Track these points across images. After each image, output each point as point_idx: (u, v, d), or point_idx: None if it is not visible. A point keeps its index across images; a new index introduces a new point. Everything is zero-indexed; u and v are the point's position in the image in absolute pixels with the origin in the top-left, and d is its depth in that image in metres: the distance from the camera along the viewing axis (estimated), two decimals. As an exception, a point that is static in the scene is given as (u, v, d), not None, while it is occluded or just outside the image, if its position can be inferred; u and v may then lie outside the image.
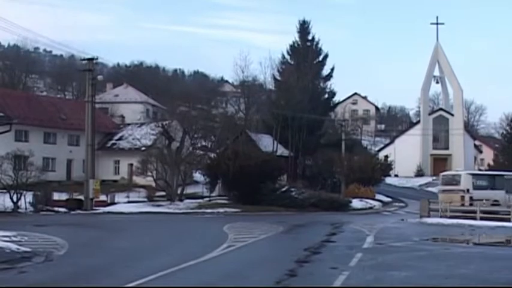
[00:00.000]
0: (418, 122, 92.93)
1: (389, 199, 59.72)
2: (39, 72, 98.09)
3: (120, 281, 12.27)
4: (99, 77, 50.31)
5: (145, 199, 48.39)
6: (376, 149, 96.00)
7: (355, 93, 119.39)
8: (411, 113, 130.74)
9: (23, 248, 17.61)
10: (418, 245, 21.65)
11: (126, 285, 11.86)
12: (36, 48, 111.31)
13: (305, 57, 68.40)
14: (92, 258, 17.03)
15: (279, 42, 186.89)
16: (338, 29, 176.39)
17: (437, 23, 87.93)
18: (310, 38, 71.19)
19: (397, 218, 38.22)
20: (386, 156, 79.12)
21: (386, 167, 66.56)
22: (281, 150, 61.45)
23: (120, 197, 47.72)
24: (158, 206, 45.12)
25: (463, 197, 38.22)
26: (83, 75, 47.08)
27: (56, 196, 43.06)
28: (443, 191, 40.26)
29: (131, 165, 57.41)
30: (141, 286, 12.03)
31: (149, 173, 51.62)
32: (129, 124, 68.46)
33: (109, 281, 12.70)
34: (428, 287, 12.70)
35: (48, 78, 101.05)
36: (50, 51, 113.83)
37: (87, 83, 44.87)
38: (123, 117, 73.73)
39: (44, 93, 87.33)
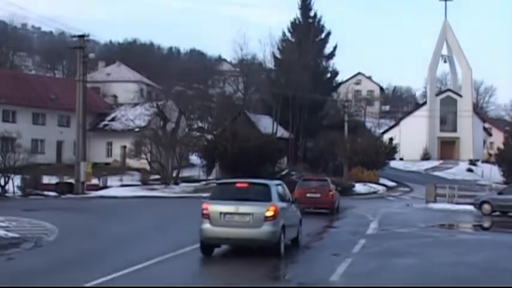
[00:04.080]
0: (425, 103, 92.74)
1: (394, 183, 59.75)
2: (28, 50, 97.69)
3: (112, 268, 12.27)
4: (91, 55, 50.12)
5: (139, 183, 48.43)
6: (381, 131, 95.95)
7: (359, 73, 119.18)
8: (417, 93, 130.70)
9: (11, 234, 17.61)
10: (424, 231, 21.69)
11: (119, 273, 11.87)
12: (24, 25, 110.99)
13: (306, 34, 68.08)
14: (83, 244, 17.04)
15: (279, 18, 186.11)
16: (341, 6, 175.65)
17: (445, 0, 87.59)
18: (312, 14, 70.92)
19: (402, 203, 38.28)
20: (391, 139, 79.14)
21: (391, 150, 66.47)
22: (281, 132, 61.35)
23: (112, 181, 47.74)
24: (153, 189, 45.16)
25: None
26: (74, 53, 46.85)
27: (46, 179, 43.08)
28: None
29: (124, 147, 57.36)
30: (134, 272, 12.03)
31: (143, 156, 51.63)
32: (122, 104, 68.24)
33: (100, 267, 12.69)
34: (434, 275, 12.72)
35: (37, 56, 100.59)
36: (39, 28, 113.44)
37: (78, 61, 44.65)
38: (115, 97, 73.50)
39: (33, 72, 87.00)
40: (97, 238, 18.53)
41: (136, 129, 56.65)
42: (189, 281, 11.81)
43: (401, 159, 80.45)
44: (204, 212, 14.06)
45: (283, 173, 49.33)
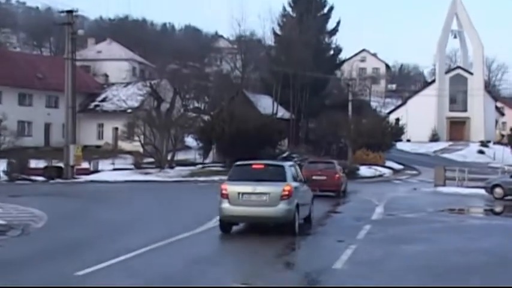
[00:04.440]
0: (434, 81, 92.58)
1: (400, 166, 59.82)
2: (12, 26, 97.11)
3: (104, 256, 12.27)
4: (80, 32, 49.88)
5: (132, 166, 48.42)
6: (387, 111, 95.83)
7: (364, 50, 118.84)
8: (426, 71, 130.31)
9: (-4, 221, 17.61)
10: (433, 216, 21.74)
11: (114, 260, 11.88)
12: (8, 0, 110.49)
13: (308, 9, 67.82)
14: (72, 231, 17.05)
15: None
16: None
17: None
18: (314, -13, 70.50)
19: (409, 187, 38.30)
20: (397, 119, 79.13)
21: (397, 131, 66.49)
22: (282, 112, 61.32)
23: (104, 164, 47.73)
24: (146, 173, 45.17)
25: None
26: (62, 29, 46.64)
27: (33, 164, 43.03)
28: None
29: (116, 129, 57.32)
30: (132, 259, 12.05)
31: (136, 138, 51.60)
32: (113, 84, 68.17)
33: (91, 256, 12.69)
34: (444, 262, 12.73)
35: (22, 32, 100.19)
36: (24, 3, 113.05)
37: (66, 38, 44.43)
38: (106, 76, 73.39)
39: (18, 50, 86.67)
40: (87, 225, 18.54)
41: (129, 110, 56.59)
42: (190, 267, 11.82)
43: (408, 140, 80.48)
44: (223, 192, 15.90)
45: (284, 155, 49.39)
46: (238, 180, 16.06)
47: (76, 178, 41.96)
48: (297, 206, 15.87)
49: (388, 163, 59.19)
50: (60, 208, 23.42)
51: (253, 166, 16.67)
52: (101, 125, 61.24)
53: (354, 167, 49.85)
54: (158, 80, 56.84)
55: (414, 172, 56.05)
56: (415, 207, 24.86)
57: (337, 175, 29.92)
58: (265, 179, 15.86)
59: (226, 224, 16.14)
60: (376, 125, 61.16)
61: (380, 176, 51.24)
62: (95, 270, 11.11)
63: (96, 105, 62.53)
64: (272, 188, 15.58)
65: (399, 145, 69.39)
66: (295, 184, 16.35)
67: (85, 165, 45.27)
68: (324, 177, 28.84)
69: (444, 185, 36.19)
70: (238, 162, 17.34)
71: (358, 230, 17.06)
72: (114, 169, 47.36)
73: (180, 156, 53.15)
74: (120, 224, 18.75)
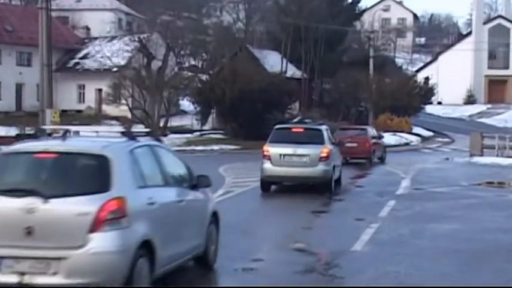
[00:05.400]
0: (470, 33, 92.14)
1: (430, 133, 59.74)
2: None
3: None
4: (56, -23, 49.54)
5: (119, 134, 48.43)
6: (414, 69, 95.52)
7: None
8: (460, 22, 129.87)
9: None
10: (468, 190, 21.72)
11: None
12: None
13: (323, -52, 67.19)
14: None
15: None
16: None
17: None
18: None
19: (440, 157, 38.33)
20: (427, 78, 78.71)
21: (426, 92, 66.29)
22: (292, 71, 61.08)
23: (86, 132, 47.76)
24: (135, 142, 45.20)
25: None
26: (34, -27, 46.35)
27: (3, 131, 43.13)
28: None
29: (100, 90, 57.25)
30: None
31: (123, 101, 51.44)
32: (96, 38, 67.91)
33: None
34: (481, 243, 12.71)
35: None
36: None
37: (39, -17, 44.19)
38: (88, 29, 73.10)
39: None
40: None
41: (114, 69, 56.40)
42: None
43: (439, 103, 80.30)
44: (265, 153, 19.58)
45: (295, 120, 49.23)
46: (279, 142, 19.66)
47: (54, 148, 41.96)
48: (334, 167, 19.78)
49: (416, 129, 59.11)
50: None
51: (293, 129, 20.71)
52: (81, 86, 61.14)
53: (377, 134, 49.84)
54: (148, 33, 56.58)
55: (446, 140, 55.99)
56: (447, 180, 24.83)
57: (368, 142, 32.53)
58: (304, 142, 19.51)
59: (267, 184, 19.60)
60: (401, 86, 60.98)
61: (406, 144, 51.23)
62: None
63: (76, 63, 62.35)
64: (312, 150, 19.27)
65: (429, 108, 69.19)
66: (331, 147, 20.04)
67: (64, 133, 45.27)
68: (354, 144, 30.97)
69: (481, 154, 36.06)
70: (278, 126, 21.17)
71: (381, 206, 17.06)
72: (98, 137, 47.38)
73: (175, 122, 53.15)
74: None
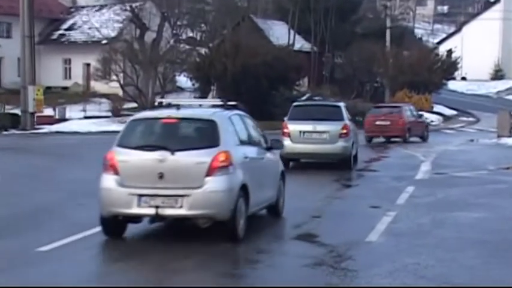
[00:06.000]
0: (498, 0, 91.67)
1: (453, 112, 59.76)
2: None
3: (72, 227, 12.34)
4: None
5: (109, 113, 48.47)
6: (436, 41, 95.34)
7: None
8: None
9: None
10: (495, 175, 21.68)
11: (84, 233, 11.87)
12: None
13: None
14: (32, 195, 17.10)
15: None
16: None
17: None
18: None
19: (464, 138, 38.38)
20: (449, 51, 78.37)
21: (449, 67, 66.14)
22: (300, 43, 61.00)
23: (73, 111, 47.81)
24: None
25: None
26: None
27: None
28: None
29: (88, 65, 57.27)
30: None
31: (114, 77, 51.50)
32: (83, 7, 67.86)
33: (55, 225, 12.77)
34: (510, 232, 12.67)
35: None
36: None
37: None
38: (74, -3, 72.87)
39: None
40: (51, 187, 18.60)
41: (104, 41, 56.42)
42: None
43: (463, 78, 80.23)
44: (285, 130, 21.59)
45: (304, 98, 49.16)
46: (298, 119, 21.60)
47: (37, 128, 42.09)
48: (353, 143, 21.76)
49: (437, 108, 59.16)
50: (16, 166, 23.57)
51: (312, 106, 22.83)
52: (67, 61, 61.17)
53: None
54: (141, 2, 56.45)
55: (471, 119, 56.03)
56: (471, 163, 24.83)
57: (402, 120, 34.16)
58: (324, 118, 21.42)
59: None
60: (421, 59, 60.93)
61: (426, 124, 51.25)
62: (64, 244, 11.22)
63: (61, 35, 62.33)
64: (331, 127, 21.25)
65: (451, 84, 69.18)
66: (349, 123, 22.00)
67: (48, 111, 45.31)
68: (387, 122, 33.48)
69: (510, 135, 36.04)
70: (296, 103, 23.24)
71: (399, 192, 17.06)
72: (86, 117, 47.47)
73: (171, 99, 53.07)
74: (91, 184, 18.69)
